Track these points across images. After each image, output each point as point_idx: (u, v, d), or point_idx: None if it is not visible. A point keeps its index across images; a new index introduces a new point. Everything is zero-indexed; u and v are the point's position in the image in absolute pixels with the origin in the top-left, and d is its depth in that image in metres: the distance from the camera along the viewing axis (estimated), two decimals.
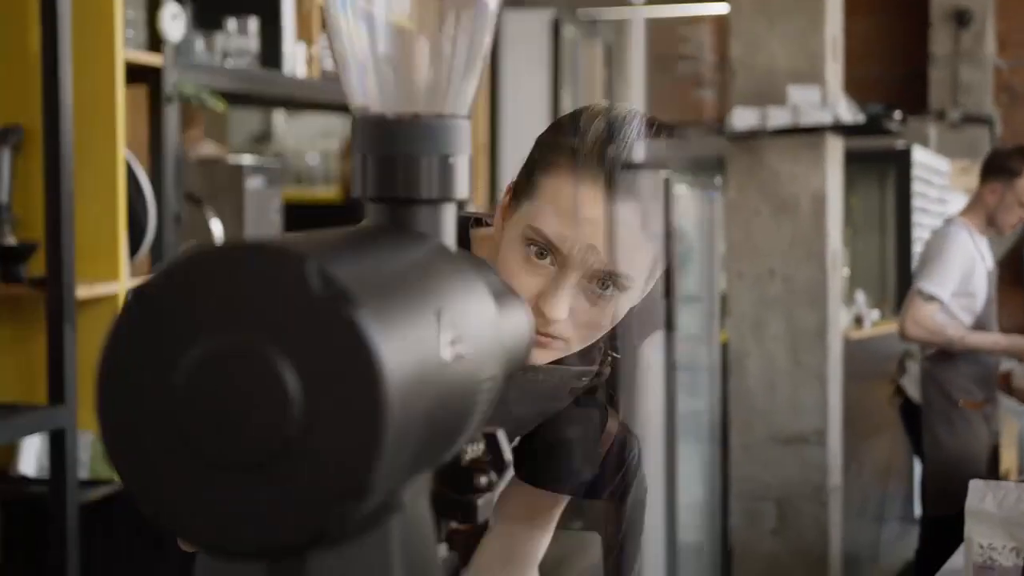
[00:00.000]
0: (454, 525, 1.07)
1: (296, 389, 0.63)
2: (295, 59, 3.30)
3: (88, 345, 2.53)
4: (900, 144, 7.09)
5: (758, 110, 5.31)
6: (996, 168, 4.51)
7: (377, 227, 0.82)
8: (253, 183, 3.22)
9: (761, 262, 5.15)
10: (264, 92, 3.26)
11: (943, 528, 4.49)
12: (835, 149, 5.67)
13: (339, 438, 0.63)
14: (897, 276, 7.54)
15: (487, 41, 0.87)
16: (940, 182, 8.04)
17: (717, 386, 5.22)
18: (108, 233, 2.57)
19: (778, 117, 5.29)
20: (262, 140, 5.63)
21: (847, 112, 5.56)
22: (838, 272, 5.74)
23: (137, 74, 2.73)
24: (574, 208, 1.28)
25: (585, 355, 1.46)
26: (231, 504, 0.64)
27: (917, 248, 7.45)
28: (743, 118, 5.33)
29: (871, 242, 7.09)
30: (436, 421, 0.70)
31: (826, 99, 5.33)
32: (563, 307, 1.30)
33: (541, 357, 1.34)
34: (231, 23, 3.13)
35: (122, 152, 2.59)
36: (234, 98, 3.34)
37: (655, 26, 8.81)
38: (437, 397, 0.70)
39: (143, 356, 0.65)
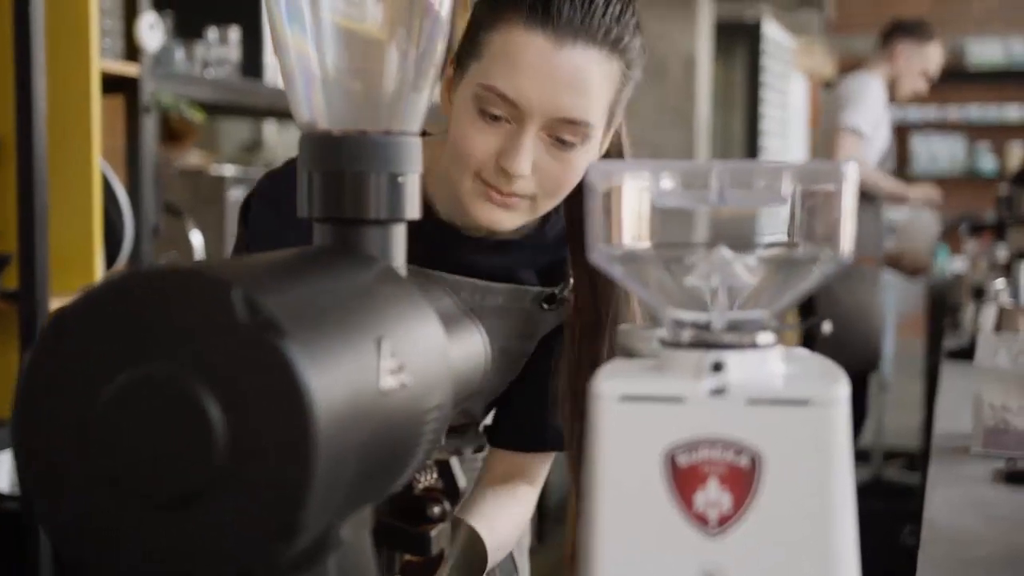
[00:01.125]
0: (407, 557, 1.04)
1: (220, 422, 0.60)
2: (276, 69, 3.26)
3: None
4: (751, 16, 7.03)
5: None
6: (909, 31, 4.62)
7: (323, 249, 0.79)
8: (236, 194, 3.19)
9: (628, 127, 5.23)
10: (245, 102, 3.23)
11: None
12: (707, 9, 5.65)
13: (266, 474, 0.60)
14: (745, 152, 7.49)
15: (439, 52, 0.84)
16: (785, 59, 8.02)
17: None
18: (83, 245, 2.54)
19: None
20: (252, 149, 5.59)
21: None
22: (706, 141, 5.75)
23: (114, 84, 2.70)
24: (526, 58, 1.25)
25: (547, 274, 1.44)
26: (151, 541, 0.61)
27: (764, 124, 7.41)
28: None
29: (720, 115, 7.01)
30: (374, 454, 0.67)
31: None
32: (525, 161, 1.26)
33: (507, 220, 1.31)
34: (212, 32, 3.10)
35: (98, 163, 2.55)
36: (214, 108, 3.31)
37: None
38: (375, 429, 0.67)
39: (62, 384, 0.62)
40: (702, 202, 0.71)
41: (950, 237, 10.02)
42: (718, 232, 0.73)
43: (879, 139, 4.62)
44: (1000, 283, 3.16)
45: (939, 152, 10.43)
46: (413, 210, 0.82)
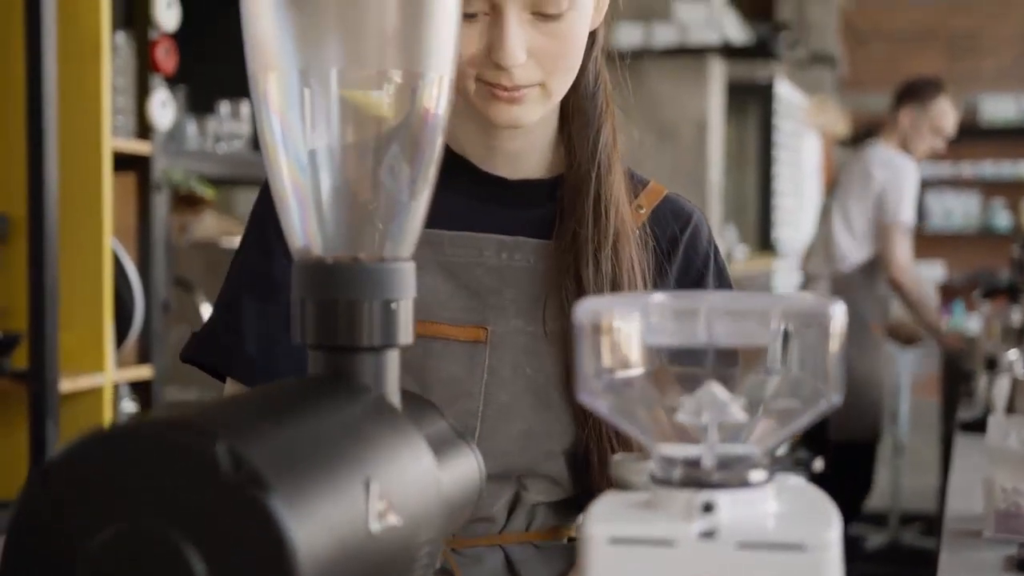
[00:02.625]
0: None
1: None
2: None
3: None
4: (763, 77, 7.05)
5: (642, 25, 5.29)
6: (910, 94, 4.64)
7: (314, 380, 0.79)
8: None
9: None
10: (256, 176, 3.24)
11: (849, 453, 4.49)
12: (719, 73, 5.65)
13: None
14: (759, 212, 7.47)
15: (431, 177, 0.85)
16: (798, 117, 8.04)
17: None
18: (94, 324, 2.55)
19: (664, 34, 5.26)
20: None
21: (735, 30, 5.55)
22: (718, 204, 5.74)
23: (126, 162, 2.72)
24: None
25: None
26: None
27: (778, 184, 7.41)
28: (627, 35, 5.30)
29: (732, 175, 7.03)
30: None
31: (712, 15, 5.31)
32: (516, 50, 1.16)
33: (524, 114, 1.21)
34: (223, 107, 3.13)
35: (109, 241, 2.56)
36: (227, 181, 3.33)
37: None
38: (364, 572, 0.66)
39: (47, 536, 0.62)
40: (691, 338, 0.71)
41: (965, 295, 10.01)
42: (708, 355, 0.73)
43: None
44: (1013, 354, 3.14)
45: (953, 209, 10.43)
46: (407, 336, 0.82)
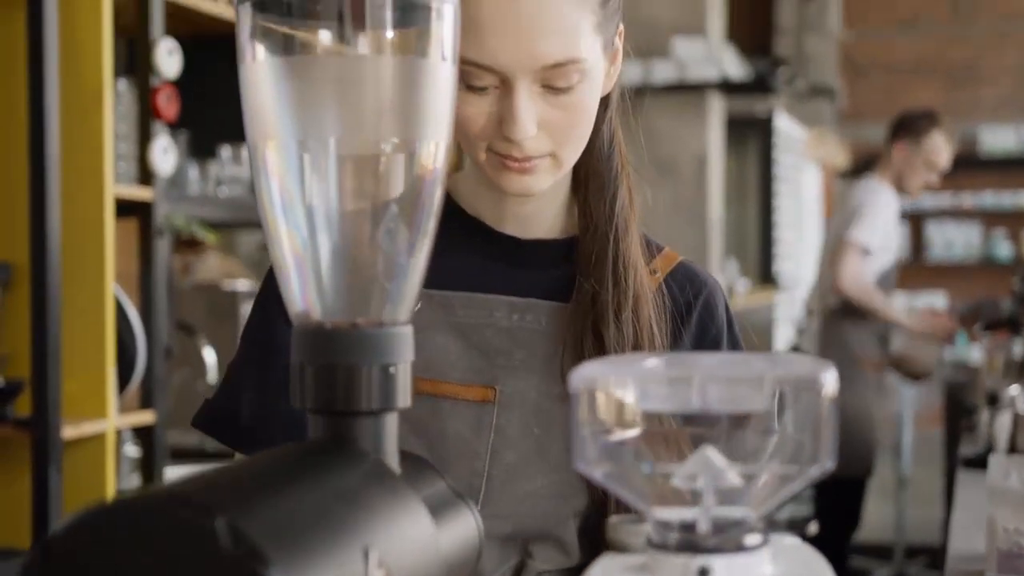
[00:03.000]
0: None
1: None
2: None
3: (74, 487, 2.50)
4: (762, 111, 7.07)
5: (641, 63, 5.31)
6: (903, 128, 4.65)
7: (314, 445, 0.80)
8: (248, 309, 3.21)
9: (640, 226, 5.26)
10: (258, 219, 3.26)
11: (836, 491, 4.47)
12: (718, 108, 5.67)
13: None
14: (760, 245, 7.50)
15: (428, 240, 0.86)
16: (798, 150, 8.07)
17: None
18: (96, 370, 2.55)
19: (663, 70, 5.28)
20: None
21: (734, 66, 5.56)
22: (719, 239, 5.75)
23: (128, 207, 2.74)
24: (484, 17, 1.14)
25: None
26: None
27: (779, 217, 7.44)
28: (627, 71, 5.36)
29: (732, 209, 7.05)
30: None
31: (711, 52, 5.33)
32: (526, 124, 1.16)
33: (535, 183, 1.21)
34: (225, 151, 3.15)
35: (111, 288, 2.58)
36: (228, 225, 3.35)
37: None
38: None
39: None
40: (686, 404, 0.72)
41: (967, 325, 10.02)
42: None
43: (888, 251, 4.64)
44: (1015, 389, 3.14)
45: (954, 239, 10.45)
46: (405, 399, 0.83)
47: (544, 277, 1.30)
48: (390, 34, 0.80)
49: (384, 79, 0.80)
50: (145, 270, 2.75)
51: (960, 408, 4.76)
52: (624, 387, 0.72)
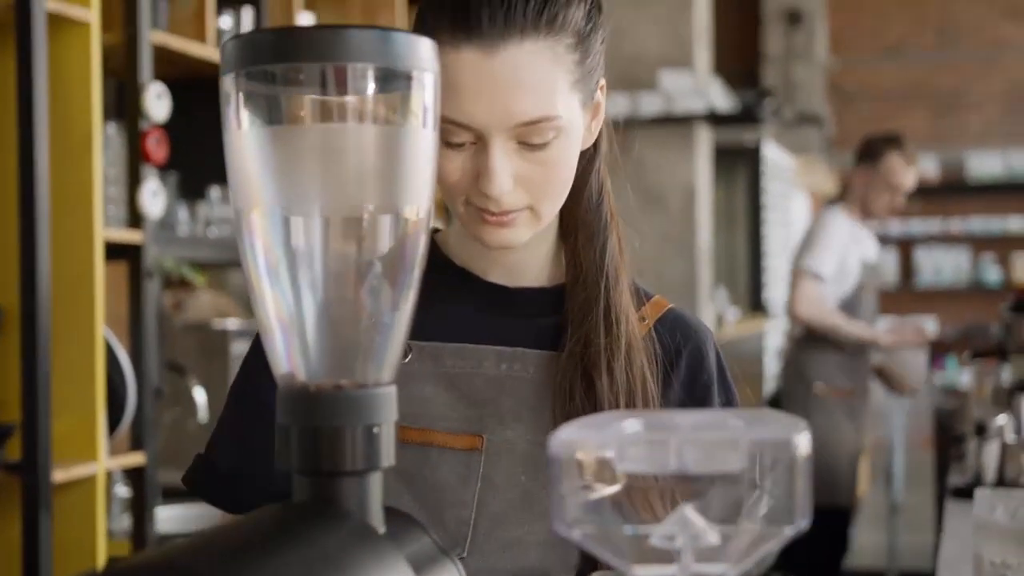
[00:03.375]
0: None
1: None
2: None
3: (65, 530, 2.51)
4: (750, 140, 7.12)
5: (628, 95, 5.33)
6: (863, 154, 4.70)
7: (298, 506, 0.81)
8: (240, 347, 3.22)
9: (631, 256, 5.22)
10: None
11: (819, 521, 4.46)
12: (705, 139, 5.71)
13: None
14: (749, 273, 7.54)
15: (411, 303, 0.87)
16: (786, 178, 8.11)
17: None
18: (87, 413, 2.56)
19: (651, 103, 5.30)
20: None
21: (721, 98, 5.59)
22: (708, 269, 5.77)
23: (118, 250, 2.75)
24: (461, 77, 1.16)
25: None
26: None
27: (767, 245, 7.48)
28: (614, 104, 5.34)
29: (721, 238, 7.08)
30: None
31: (698, 84, 5.36)
32: (504, 177, 1.18)
33: (513, 236, 1.22)
34: (214, 191, 3.16)
35: (101, 332, 2.59)
36: (218, 264, 3.36)
37: None
38: None
39: None
40: (663, 466, 0.73)
41: (957, 350, 10.06)
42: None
43: (849, 276, 4.63)
44: (1002, 419, 3.16)
45: (944, 264, 10.49)
46: (389, 458, 0.84)
47: (532, 326, 1.31)
48: (372, 103, 0.82)
49: (367, 147, 0.82)
50: (135, 312, 2.77)
51: (950, 434, 4.77)
52: (604, 449, 0.74)
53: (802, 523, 0.72)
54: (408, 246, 0.86)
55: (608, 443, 0.74)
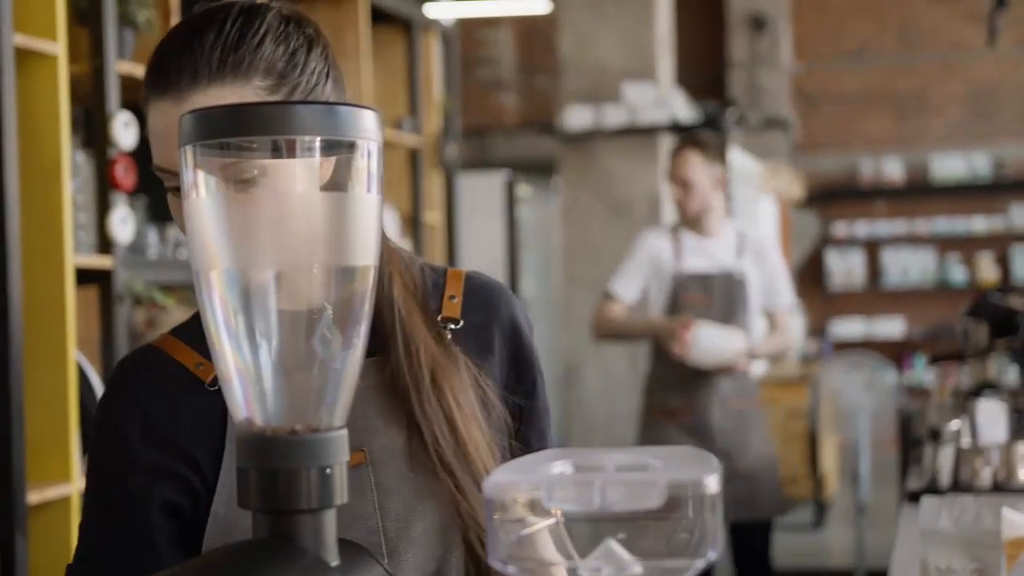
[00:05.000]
0: None
1: None
2: None
3: (40, 551, 2.56)
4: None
5: (592, 107, 5.32)
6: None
7: (256, 544, 0.88)
8: None
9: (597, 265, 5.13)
10: None
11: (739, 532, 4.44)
12: (669, 149, 5.75)
13: None
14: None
15: (359, 355, 0.94)
16: (753, 184, 8.20)
17: (555, 396, 4.97)
18: (60, 436, 2.62)
19: (614, 115, 5.29)
20: None
21: (684, 109, 5.59)
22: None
23: (88, 276, 2.80)
24: (160, 125, 1.23)
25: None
26: None
27: None
28: (578, 116, 5.36)
29: None
30: None
31: (660, 96, 5.38)
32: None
33: None
34: None
35: (73, 356, 2.64)
36: (188, 286, 3.42)
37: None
38: None
39: None
40: (588, 505, 0.80)
41: (925, 349, 10.20)
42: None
43: (663, 279, 4.33)
44: (955, 424, 3.23)
45: (910, 265, 10.61)
46: (342, 496, 0.91)
47: None
48: (320, 170, 0.88)
49: (316, 211, 0.89)
50: (106, 336, 2.82)
51: (911, 437, 4.85)
52: (533, 492, 0.81)
53: (712, 554, 0.80)
54: (356, 297, 0.93)
55: (538, 486, 0.81)
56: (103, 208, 2.82)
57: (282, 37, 1.27)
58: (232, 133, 0.88)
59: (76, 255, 2.70)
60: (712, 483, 0.79)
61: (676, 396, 4.26)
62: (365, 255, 0.91)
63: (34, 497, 2.54)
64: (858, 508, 5.85)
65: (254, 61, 1.25)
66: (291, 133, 0.88)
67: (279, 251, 0.90)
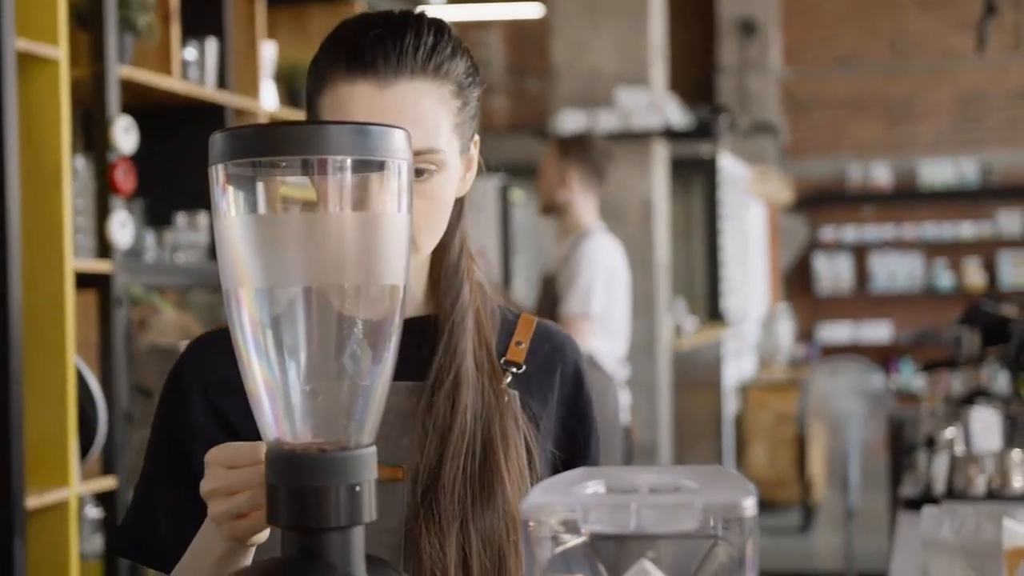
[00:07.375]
0: None
1: None
2: None
3: (38, 555, 2.55)
4: (706, 152, 7.20)
5: (586, 112, 5.29)
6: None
7: (285, 562, 0.88)
8: None
9: None
10: (213, 282, 3.33)
11: None
12: (662, 154, 5.76)
13: None
14: (706, 283, 7.65)
15: (388, 373, 0.94)
16: (742, 188, 8.23)
17: None
18: (58, 440, 2.61)
19: (608, 120, 5.26)
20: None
21: (676, 114, 5.58)
22: (666, 282, 5.82)
23: (88, 280, 2.80)
24: (353, 106, 1.25)
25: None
26: None
27: (725, 255, 7.57)
28: (572, 121, 5.32)
29: (679, 249, 7.10)
30: None
31: (654, 101, 5.36)
32: None
33: None
34: (180, 218, 3.22)
35: (72, 360, 2.64)
36: (185, 289, 3.42)
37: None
38: None
39: None
40: (624, 527, 0.80)
41: (913, 354, 10.22)
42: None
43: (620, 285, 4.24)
44: (950, 432, 3.23)
45: (897, 270, 10.64)
46: (371, 513, 0.91)
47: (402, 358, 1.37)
48: (350, 190, 0.88)
49: (346, 231, 0.89)
50: (105, 340, 2.81)
51: (902, 441, 4.85)
52: (570, 513, 0.81)
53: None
54: (386, 315, 0.93)
55: (573, 506, 0.81)
56: (103, 212, 2.81)
57: (464, 52, 1.32)
58: (264, 152, 0.88)
59: (76, 259, 2.70)
60: (749, 505, 0.79)
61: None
62: (394, 270, 0.92)
63: (33, 501, 2.53)
64: (848, 512, 5.87)
65: (450, 70, 1.29)
66: (323, 153, 0.88)
67: (308, 268, 0.90)
